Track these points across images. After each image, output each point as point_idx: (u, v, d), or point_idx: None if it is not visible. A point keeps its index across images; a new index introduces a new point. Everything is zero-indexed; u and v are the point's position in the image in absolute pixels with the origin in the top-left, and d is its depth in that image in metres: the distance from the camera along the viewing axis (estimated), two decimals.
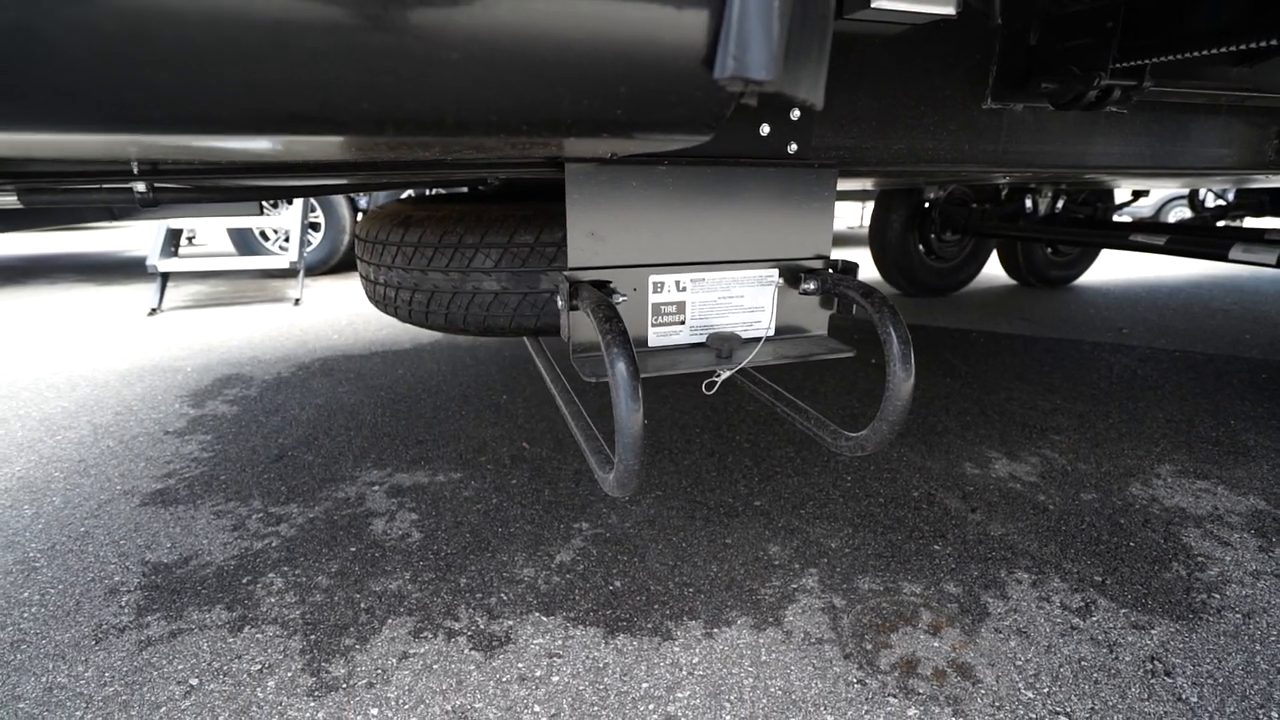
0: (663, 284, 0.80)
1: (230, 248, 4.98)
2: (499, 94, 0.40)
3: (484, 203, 1.34)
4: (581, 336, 0.77)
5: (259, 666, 1.02)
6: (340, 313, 3.64)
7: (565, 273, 0.74)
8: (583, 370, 0.75)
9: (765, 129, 0.85)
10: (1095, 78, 0.95)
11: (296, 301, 3.96)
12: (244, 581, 1.23)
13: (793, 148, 0.88)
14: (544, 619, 1.12)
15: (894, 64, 0.97)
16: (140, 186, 0.71)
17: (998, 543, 1.33)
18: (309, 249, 4.81)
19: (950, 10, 0.78)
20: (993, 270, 4.54)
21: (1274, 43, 0.82)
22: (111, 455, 1.80)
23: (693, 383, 2.26)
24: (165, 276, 3.85)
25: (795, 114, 0.86)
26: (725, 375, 0.82)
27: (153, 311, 3.74)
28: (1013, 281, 4.42)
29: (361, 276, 1.46)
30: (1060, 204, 3.45)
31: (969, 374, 2.46)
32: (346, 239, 4.90)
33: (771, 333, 0.89)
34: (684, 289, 0.81)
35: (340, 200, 4.88)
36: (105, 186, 0.71)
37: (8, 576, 1.25)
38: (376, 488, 1.58)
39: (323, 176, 0.88)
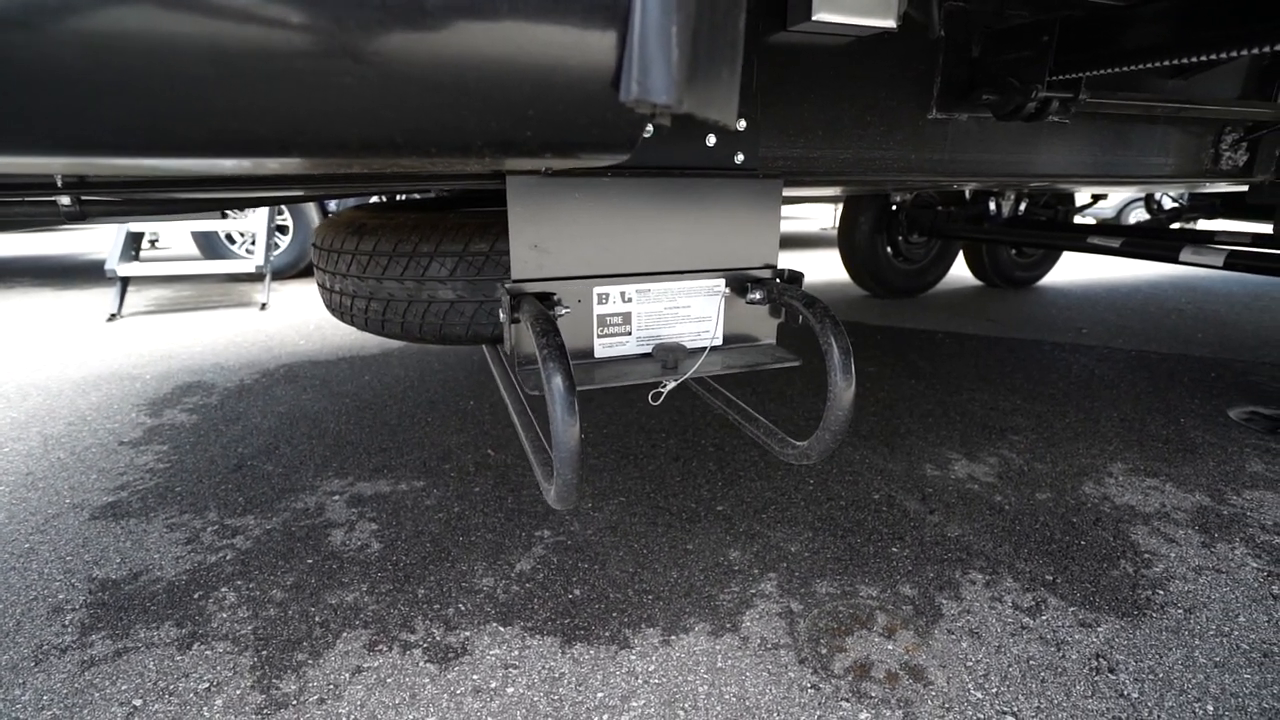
0: (608, 295, 0.80)
1: (195, 251, 4.87)
2: (404, 117, 0.40)
3: (441, 210, 1.33)
4: (526, 349, 0.77)
5: (206, 685, 1.00)
6: (308, 317, 3.58)
7: (508, 285, 0.74)
8: (526, 383, 0.75)
9: (711, 139, 0.85)
10: (1033, 89, 0.98)
11: (263, 306, 3.90)
12: (195, 597, 1.20)
13: (739, 158, 0.89)
14: (501, 629, 1.11)
15: (840, 75, 0.98)
16: (65, 200, 0.69)
17: (954, 544, 1.35)
18: (276, 252, 4.73)
19: (890, 23, 0.80)
20: (959, 272, 4.62)
21: (1202, 59, 0.85)
22: (62, 467, 1.75)
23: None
24: (125, 281, 3.76)
25: (741, 124, 0.87)
26: (671, 386, 0.82)
27: (112, 317, 3.64)
28: (979, 282, 4.50)
29: (319, 285, 1.44)
30: (1022, 207, 3.53)
31: (933, 375, 2.50)
32: None
33: (719, 342, 0.90)
34: (630, 300, 0.82)
35: (309, 205, 4.81)
36: (27, 200, 0.69)
37: None
38: (337, 497, 1.55)
39: (256, 189, 0.87)
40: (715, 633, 1.10)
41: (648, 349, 0.85)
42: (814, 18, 0.76)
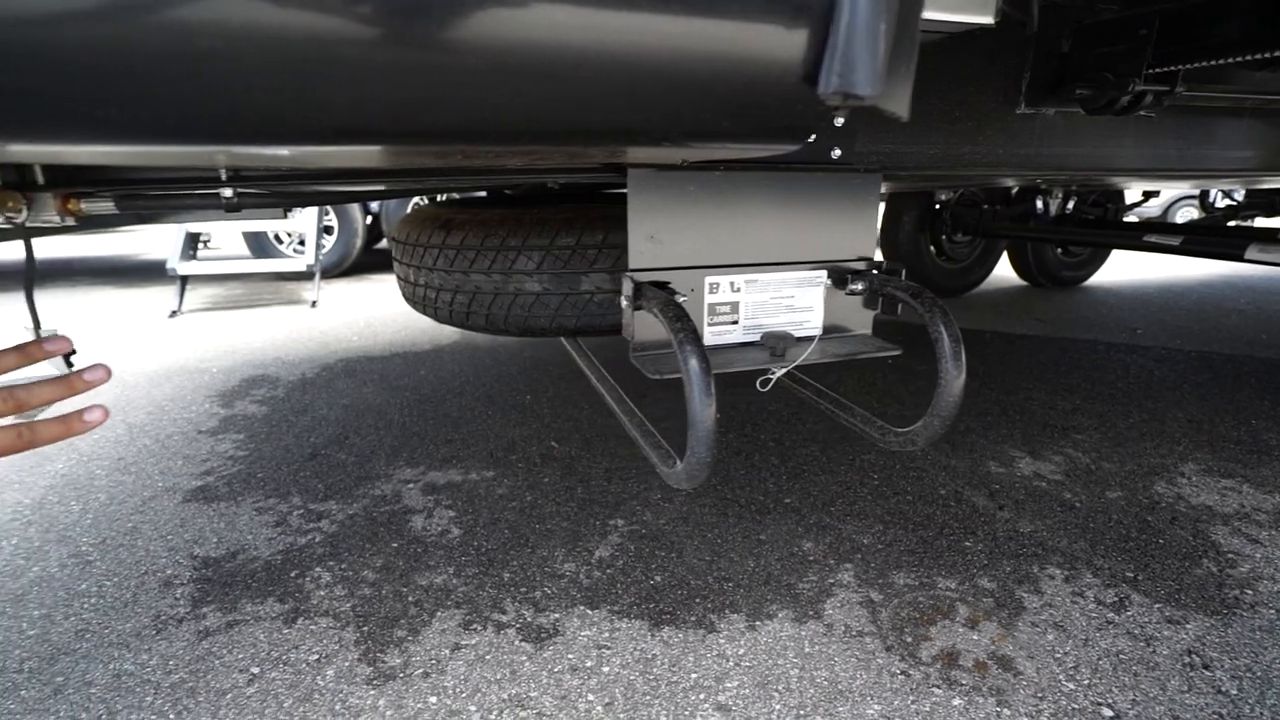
0: (718, 285, 0.83)
1: (245, 250, 5.02)
2: (631, 110, 0.43)
3: (520, 206, 1.37)
4: (644, 335, 0.80)
5: (316, 656, 1.05)
6: (357, 314, 3.67)
7: (628, 274, 0.77)
8: (645, 367, 0.78)
9: (813, 136, 0.87)
10: (1129, 83, 0.98)
11: (313, 304, 4.00)
12: (292, 575, 1.26)
13: (836, 153, 0.91)
14: (589, 612, 1.15)
15: (932, 71, 1.00)
16: (227, 192, 0.74)
17: (1028, 539, 1.35)
18: (323, 252, 4.85)
19: (989, 19, 0.81)
20: (1003, 271, 4.56)
21: None
22: (149, 453, 1.83)
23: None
24: (185, 279, 3.89)
25: (839, 121, 0.89)
26: (780, 373, 0.85)
27: (173, 314, 3.78)
28: (1023, 282, 4.44)
29: (399, 278, 1.49)
30: (1071, 205, 3.47)
31: (986, 374, 2.48)
32: (359, 242, 4.94)
33: (820, 332, 0.92)
34: (738, 290, 0.84)
35: (353, 205, 4.92)
36: (196, 192, 0.74)
37: (64, 569, 1.28)
38: (412, 486, 1.61)
39: (393, 181, 0.92)
40: (799, 619, 1.12)
41: (752, 337, 0.88)
42: (923, 16, 0.78)
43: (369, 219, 5.16)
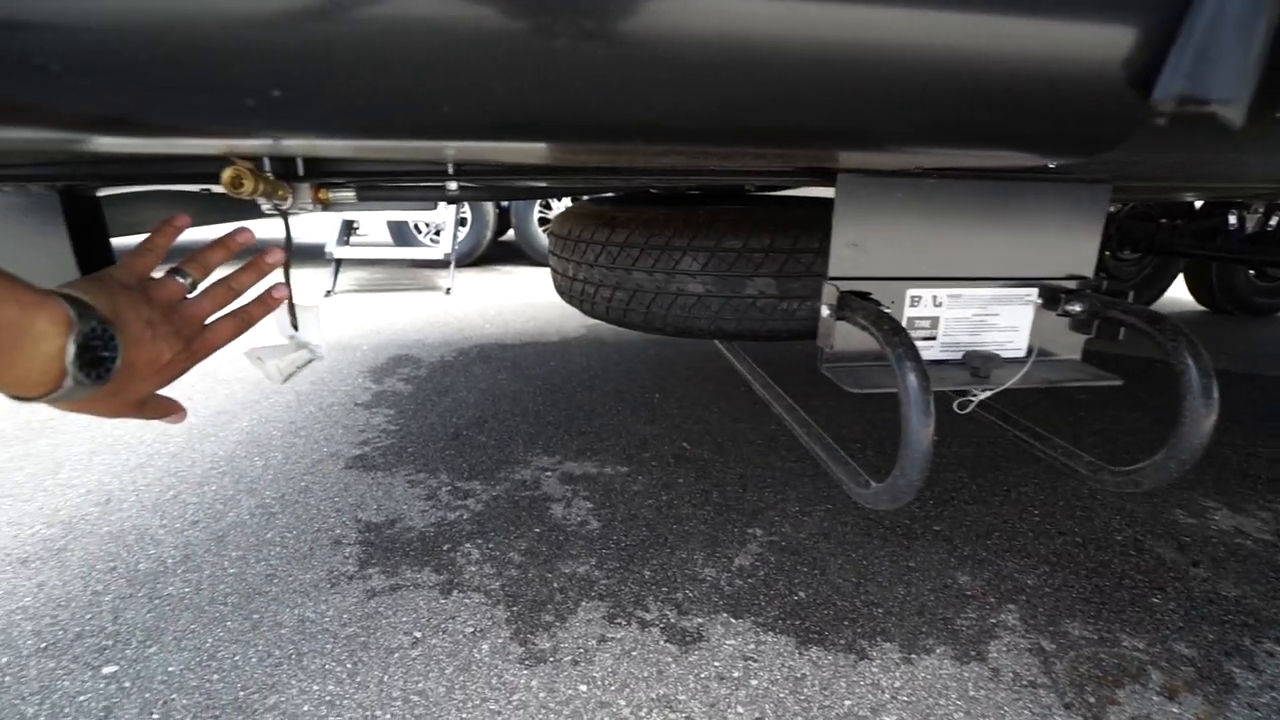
0: (920, 298, 0.78)
1: (388, 238, 5.41)
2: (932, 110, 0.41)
3: (683, 206, 1.37)
4: (843, 345, 0.77)
5: (472, 629, 1.10)
6: (487, 303, 3.86)
7: (830, 281, 0.74)
8: (842, 380, 0.75)
9: (1118, 146, 0.80)
10: None
11: (448, 291, 4.25)
12: (445, 549, 1.33)
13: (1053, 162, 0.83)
14: (733, 621, 1.13)
15: None
16: (453, 186, 0.79)
17: (1234, 605, 1.19)
18: (456, 242, 5.14)
19: None
20: (1176, 294, 4.07)
21: None
22: (314, 420, 2.01)
23: (846, 395, 2.20)
24: (339, 262, 4.26)
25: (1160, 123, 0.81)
26: (983, 396, 0.79)
27: (328, 293, 4.14)
28: (1202, 307, 3.94)
29: (554, 271, 1.53)
30: (1275, 221, 3.03)
31: (1160, 409, 2.22)
32: (489, 234, 5.19)
33: (1027, 354, 0.85)
34: (940, 304, 0.79)
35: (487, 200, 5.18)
36: (425, 185, 0.80)
37: (253, 518, 1.43)
38: (549, 474, 1.65)
39: (592, 179, 0.94)
40: (959, 658, 1.05)
41: (950, 355, 0.82)
42: None
43: (496, 213, 5.41)
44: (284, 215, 0.69)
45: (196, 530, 1.39)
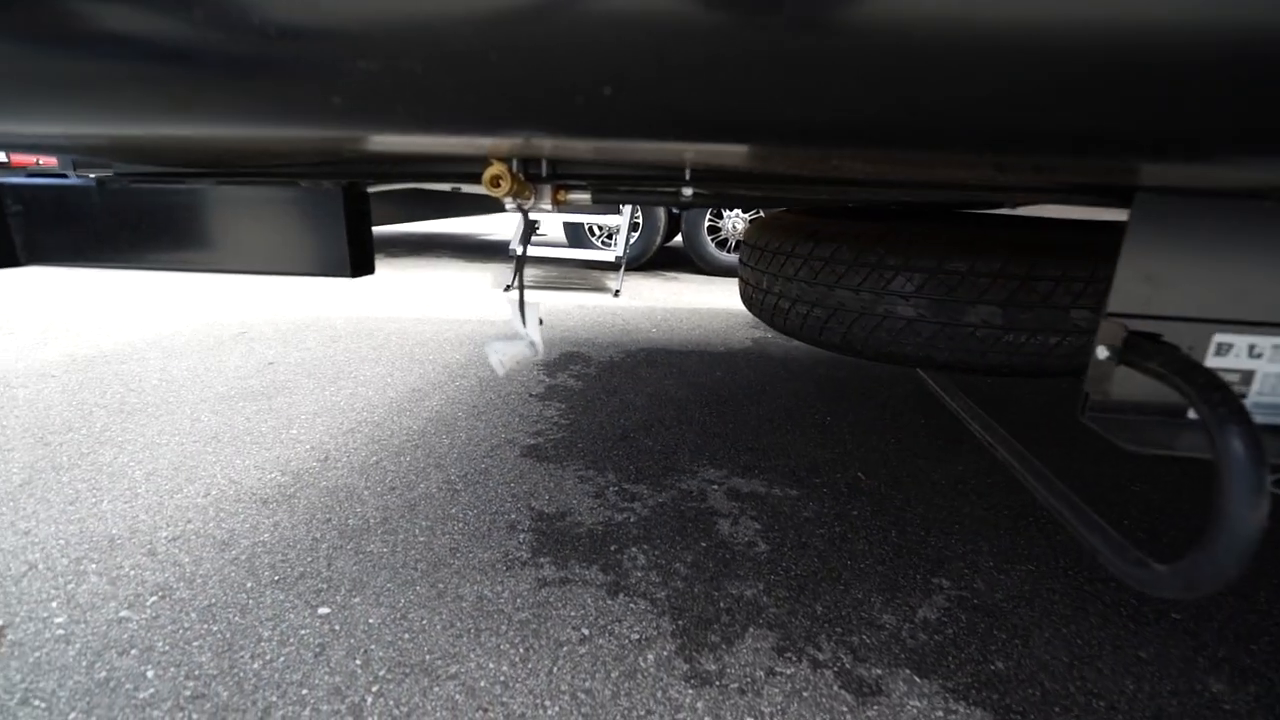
0: (1230, 346, 0.64)
1: (563, 239, 5.72)
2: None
3: (896, 222, 1.27)
4: (1122, 393, 0.65)
5: (638, 636, 1.09)
6: (654, 307, 3.93)
7: (1111, 318, 0.63)
8: (1116, 434, 0.63)
9: None
10: None
11: (616, 293, 4.39)
12: (611, 549, 1.34)
13: None
14: (917, 680, 1.02)
15: None
16: (688, 191, 0.79)
17: None
18: (628, 246, 5.31)
19: None
20: None
21: None
22: (493, 406, 2.14)
23: (1046, 439, 1.93)
24: (521, 259, 4.57)
25: None
26: None
27: (507, 288, 4.46)
28: None
29: (745, 282, 1.50)
30: None
31: None
32: (658, 239, 5.29)
33: None
34: (1258, 355, 0.64)
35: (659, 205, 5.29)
36: (660, 190, 0.81)
37: (440, 492, 1.55)
38: (716, 487, 1.62)
39: (808, 189, 0.90)
40: None
41: (1271, 419, 0.66)
42: None
43: (668, 218, 5.50)
44: (524, 214, 0.73)
45: (393, 496, 1.53)
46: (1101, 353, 0.62)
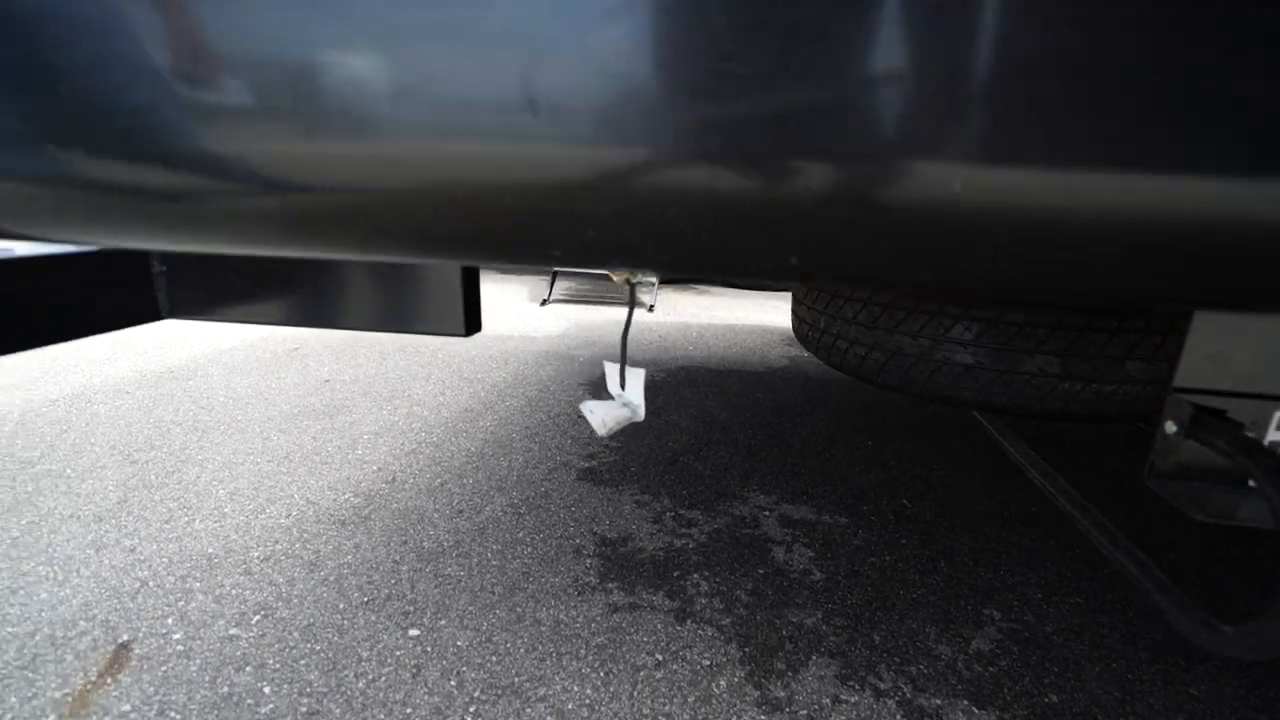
0: None
1: None
2: None
3: None
4: (1185, 459, 0.71)
5: (708, 662, 1.16)
6: (689, 323, 4.00)
7: (1177, 395, 0.69)
8: (1182, 501, 0.69)
9: None
10: None
11: (650, 308, 4.46)
12: (674, 575, 1.41)
13: None
14: (976, 711, 1.07)
15: None
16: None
17: None
18: None
19: None
20: None
21: None
22: (544, 427, 2.23)
23: (1103, 471, 1.97)
24: (555, 274, 4.67)
25: None
26: None
27: (543, 302, 4.56)
28: None
29: (800, 320, 1.57)
30: None
31: None
32: None
33: None
34: None
35: None
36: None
37: (506, 516, 1.63)
38: (768, 514, 1.69)
39: None
40: None
41: None
42: None
43: None
44: (631, 286, 0.80)
45: (462, 519, 1.62)
46: (1170, 428, 0.68)
